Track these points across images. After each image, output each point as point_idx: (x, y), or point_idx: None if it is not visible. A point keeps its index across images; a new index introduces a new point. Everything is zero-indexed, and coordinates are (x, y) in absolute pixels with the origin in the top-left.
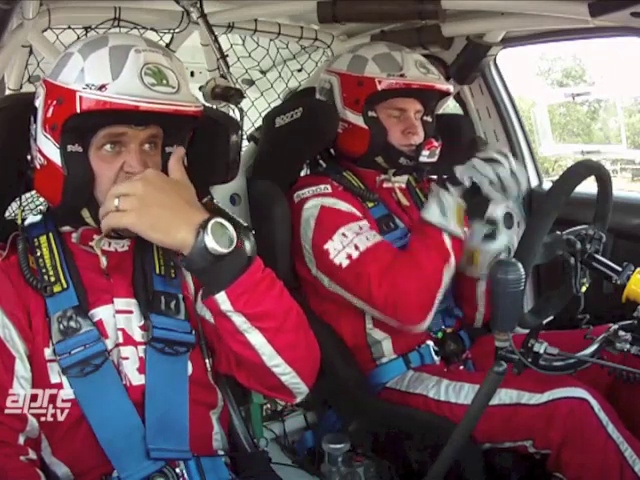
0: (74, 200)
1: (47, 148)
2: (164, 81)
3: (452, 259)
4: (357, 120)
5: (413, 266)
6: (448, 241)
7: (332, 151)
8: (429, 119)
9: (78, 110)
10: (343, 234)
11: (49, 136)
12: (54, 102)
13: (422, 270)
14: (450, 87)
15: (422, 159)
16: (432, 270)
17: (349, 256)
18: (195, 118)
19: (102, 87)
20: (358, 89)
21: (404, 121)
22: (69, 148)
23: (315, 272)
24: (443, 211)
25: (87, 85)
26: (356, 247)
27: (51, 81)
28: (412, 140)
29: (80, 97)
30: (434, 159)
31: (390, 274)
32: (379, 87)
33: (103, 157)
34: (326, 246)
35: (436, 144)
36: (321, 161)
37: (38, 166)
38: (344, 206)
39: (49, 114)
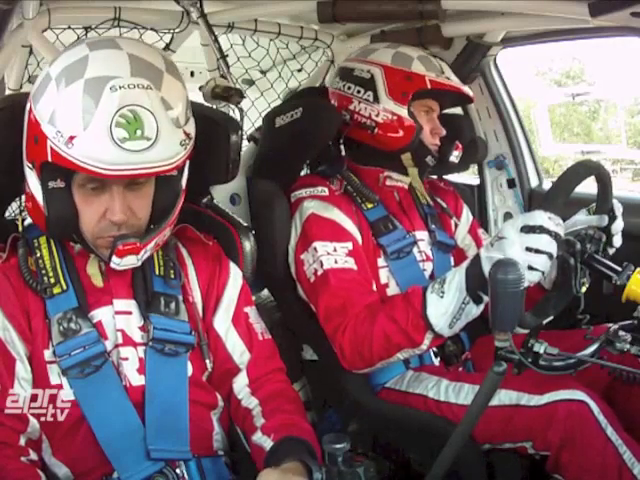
0: (58, 235)
1: (30, 181)
2: (138, 132)
3: (422, 350)
4: (402, 112)
5: (374, 323)
6: (428, 339)
7: (341, 148)
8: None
9: (49, 159)
10: (315, 248)
11: (31, 172)
12: (32, 138)
13: (378, 334)
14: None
15: (452, 159)
16: (388, 342)
17: (315, 272)
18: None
19: (71, 139)
20: (406, 83)
21: (431, 121)
22: (50, 185)
23: (295, 276)
24: (450, 316)
25: (58, 132)
26: (321, 264)
27: (32, 106)
28: (437, 140)
29: (51, 148)
30: (457, 161)
31: (344, 311)
32: (429, 85)
33: (86, 196)
34: (302, 256)
35: (460, 147)
36: (321, 162)
37: (27, 189)
38: (336, 215)
39: (28, 148)
